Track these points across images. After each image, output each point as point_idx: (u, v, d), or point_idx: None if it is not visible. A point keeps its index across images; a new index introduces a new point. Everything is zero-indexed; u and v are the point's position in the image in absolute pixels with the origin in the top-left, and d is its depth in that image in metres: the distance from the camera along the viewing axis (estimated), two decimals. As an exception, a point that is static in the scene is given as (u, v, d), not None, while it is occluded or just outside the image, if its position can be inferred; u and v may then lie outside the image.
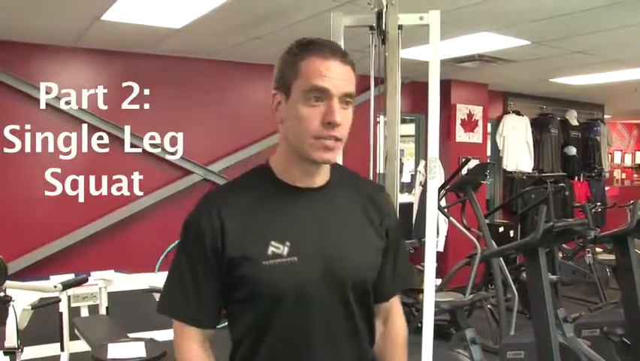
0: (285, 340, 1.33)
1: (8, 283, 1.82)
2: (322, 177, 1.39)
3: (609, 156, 9.62)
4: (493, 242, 5.07)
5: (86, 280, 3.33)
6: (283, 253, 1.29)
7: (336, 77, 1.26)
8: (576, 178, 8.62)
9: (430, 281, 2.51)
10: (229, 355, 1.43)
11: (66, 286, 3.01)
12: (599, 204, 7.28)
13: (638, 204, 3.47)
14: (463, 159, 5.25)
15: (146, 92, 5.37)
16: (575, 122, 8.64)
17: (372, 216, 1.43)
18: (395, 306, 1.55)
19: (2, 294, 1.77)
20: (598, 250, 6.38)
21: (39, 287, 3.12)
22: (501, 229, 6.64)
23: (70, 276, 4.28)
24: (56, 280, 4.04)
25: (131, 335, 3.72)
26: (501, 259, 5.08)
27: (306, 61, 1.27)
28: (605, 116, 9.51)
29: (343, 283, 1.35)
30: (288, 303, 1.30)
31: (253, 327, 1.34)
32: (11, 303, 1.88)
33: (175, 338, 1.37)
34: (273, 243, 1.30)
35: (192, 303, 1.33)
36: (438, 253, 6.54)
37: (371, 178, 2.76)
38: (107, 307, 4.47)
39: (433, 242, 2.45)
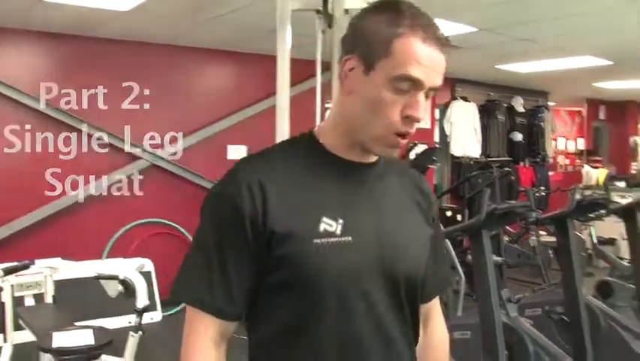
0: (327, 341, 1.12)
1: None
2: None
3: (553, 142, 9.90)
4: (441, 225, 5.16)
5: (28, 266, 3.25)
6: (336, 232, 1.11)
7: (432, 67, 1.08)
8: (522, 163, 8.87)
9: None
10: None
11: (7, 271, 2.93)
12: (542, 188, 7.50)
13: (577, 187, 3.59)
14: (410, 144, 5.32)
15: (92, 76, 5.29)
16: (520, 109, 8.86)
17: (421, 203, 1.28)
18: (436, 309, 1.38)
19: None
20: (541, 233, 6.59)
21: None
22: (449, 213, 6.76)
23: (13, 264, 4.18)
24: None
25: (78, 324, 3.65)
26: (448, 242, 5.19)
27: (405, 40, 1.07)
28: (549, 103, 9.76)
29: (397, 275, 1.17)
30: (337, 292, 1.11)
31: (289, 322, 1.13)
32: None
33: (186, 331, 1.15)
34: (324, 219, 1.11)
35: (217, 290, 1.11)
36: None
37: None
38: (53, 296, 4.38)
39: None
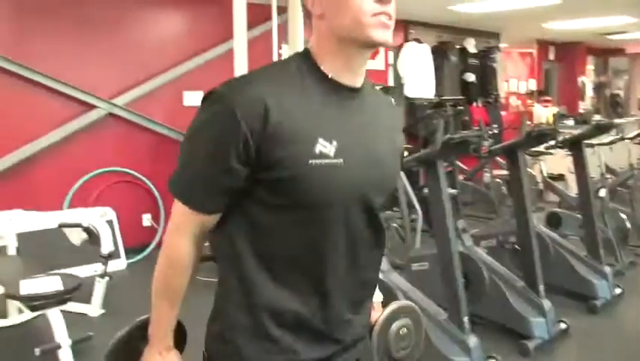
0: (319, 249, 1.22)
1: None
2: (362, 77, 1.27)
3: (505, 83, 10.08)
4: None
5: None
6: (330, 154, 1.16)
7: None
8: (474, 104, 9.02)
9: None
10: (223, 278, 1.28)
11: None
12: (495, 126, 7.68)
13: (524, 118, 3.73)
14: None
15: (43, 24, 5.16)
16: (473, 50, 8.96)
17: (395, 124, 1.42)
18: None
19: None
20: (495, 172, 6.80)
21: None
22: (405, 154, 6.89)
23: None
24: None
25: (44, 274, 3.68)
26: (405, 180, 5.33)
27: None
28: (501, 45, 9.89)
29: (382, 192, 1.30)
30: (330, 211, 1.19)
31: (281, 234, 1.19)
32: None
33: (172, 217, 1.25)
34: (320, 140, 1.16)
35: (203, 189, 1.18)
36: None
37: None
38: (16, 248, 4.38)
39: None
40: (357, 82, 1.24)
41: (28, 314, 4.11)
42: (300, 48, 2.81)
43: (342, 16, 1.16)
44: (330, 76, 1.21)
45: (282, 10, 3.07)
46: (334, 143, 1.17)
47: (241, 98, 1.12)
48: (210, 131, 1.15)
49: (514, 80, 10.93)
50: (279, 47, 3.21)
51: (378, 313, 1.50)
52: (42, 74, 5.11)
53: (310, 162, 1.14)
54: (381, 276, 3.32)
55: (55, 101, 5.24)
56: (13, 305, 4.15)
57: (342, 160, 1.17)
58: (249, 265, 1.21)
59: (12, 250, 4.35)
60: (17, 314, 4.17)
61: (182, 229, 1.23)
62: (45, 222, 4.47)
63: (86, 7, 5.36)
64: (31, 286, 3.32)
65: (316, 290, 1.24)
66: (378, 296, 1.55)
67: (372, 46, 1.20)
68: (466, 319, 3.21)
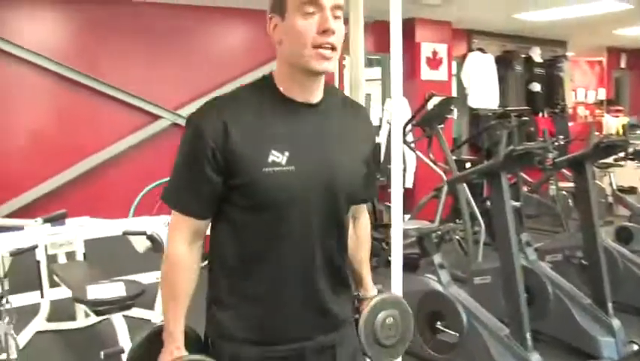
0: (283, 241, 1.42)
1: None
2: (319, 93, 1.46)
3: (573, 92, 9.78)
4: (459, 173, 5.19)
5: (65, 215, 3.36)
6: (282, 162, 1.36)
7: None
8: (540, 114, 8.78)
9: (398, 206, 2.60)
10: (214, 258, 1.51)
11: (47, 220, 3.04)
12: (561, 137, 7.45)
13: (593, 129, 3.60)
14: (427, 96, 5.31)
15: (113, 39, 5.36)
16: (538, 59, 8.75)
17: (361, 132, 1.58)
18: (362, 208, 1.73)
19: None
20: (561, 184, 6.59)
21: (20, 223, 3.16)
22: (468, 165, 6.78)
23: (47, 225, 4.32)
24: (34, 229, 4.10)
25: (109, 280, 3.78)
26: (468, 192, 5.23)
27: None
28: (568, 53, 9.62)
29: (337, 193, 1.46)
30: (287, 211, 1.40)
31: (257, 227, 1.41)
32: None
33: (169, 224, 1.47)
34: (273, 151, 1.37)
35: (189, 196, 1.41)
36: (406, 189, 6.74)
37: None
38: (84, 254, 4.53)
39: (399, 167, 2.52)
40: (313, 99, 1.44)
41: (94, 318, 4.24)
42: (361, 60, 2.82)
43: (291, 45, 1.36)
44: (285, 95, 1.42)
45: (344, 22, 3.03)
46: (286, 153, 1.37)
47: (207, 121, 1.37)
48: (188, 148, 1.40)
49: (582, 90, 10.60)
50: (341, 60, 3.17)
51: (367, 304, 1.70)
52: (110, 86, 5.31)
53: (264, 170, 1.35)
54: (440, 288, 3.30)
55: (122, 112, 5.43)
56: (80, 309, 4.29)
57: (293, 167, 1.37)
58: (232, 257, 1.45)
59: (80, 256, 4.50)
60: (84, 318, 4.31)
61: (177, 233, 1.45)
62: (111, 229, 4.60)
63: (152, 21, 5.55)
64: (96, 291, 3.42)
65: (286, 278, 1.44)
66: (373, 292, 1.75)
67: (314, 73, 1.39)
68: (528, 335, 3.11)
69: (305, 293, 1.48)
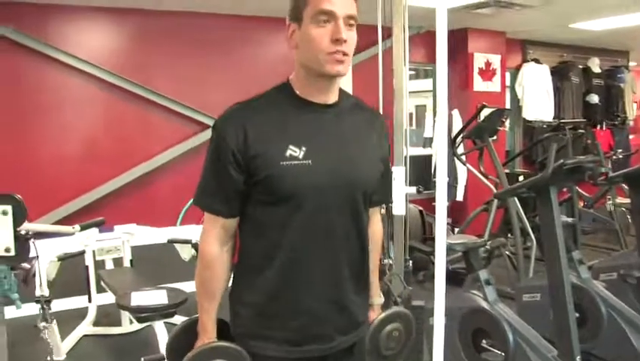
0: (304, 236, 1.50)
1: (28, 225, 1.89)
2: (334, 95, 1.57)
3: (634, 104, 9.41)
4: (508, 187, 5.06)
5: (103, 222, 3.41)
6: (299, 156, 1.46)
7: (339, 1, 1.44)
8: (598, 127, 8.49)
9: (442, 218, 2.52)
10: (238, 258, 1.60)
11: (83, 227, 3.09)
12: (620, 150, 7.18)
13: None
14: (479, 106, 5.20)
15: (164, 49, 5.45)
16: (597, 70, 8.46)
17: (375, 136, 1.67)
18: (377, 211, 1.81)
19: (23, 232, 1.83)
20: (619, 200, 6.34)
21: (58, 229, 3.21)
22: (521, 178, 6.60)
23: (95, 230, 4.41)
24: (83, 234, 4.19)
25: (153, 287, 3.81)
26: (519, 206, 5.09)
27: None
28: (631, 64, 9.30)
29: (354, 186, 1.56)
30: (307, 202, 1.48)
31: (279, 223, 1.49)
32: (32, 241, 1.95)
33: (202, 228, 1.57)
34: (290, 146, 1.47)
35: (217, 196, 1.51)
36: (457, 202, 6.62)
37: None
38: (130, 260, 4.61)
39: (444, 178, 2.43)
40: (329, 100, 1.55)
41: (137, 325, 4.30)
42: (404, 69, 2.77)
43: (307, 51, 1.48)
44: (306, 98, 1.53)
45: (388, 33, 3.02)
46: (303, 148, 1.47)
47: (229, 126, 1.48)
48: (213, 152, 1.52)
49: (645, 102, 10.21)
50: (389, 72, 3.13)
51: (376, 314, 1.76)
52: (161, 95, 5.40)
53: (282, 163, 1.45)
54: (485, 305, 3.19)
55: (173, 121, 5.51)
56: (125, 314, 4.35)
57: (310, 161, 1.47)
58: (253, 254, 1.55)
59: (127, 263, 4.58)
60: (129, 323, 4.37)
61: (209, 234, 1.55)
62: (157, 237, 4.67)
63: (203, 31, 5.62)
64: (140, 298, 3.47)
65: (307, 274, 1.52)
66: (379, 300, 1.81)
67: (328, 76, 1.50)
68: (578, 358, 2.96)
69: (328, 290, 1.55)
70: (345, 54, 1.46)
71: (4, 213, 1.79)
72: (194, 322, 1.61)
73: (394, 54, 2.74)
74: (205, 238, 1.55)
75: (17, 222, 1.80)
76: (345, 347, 1.62)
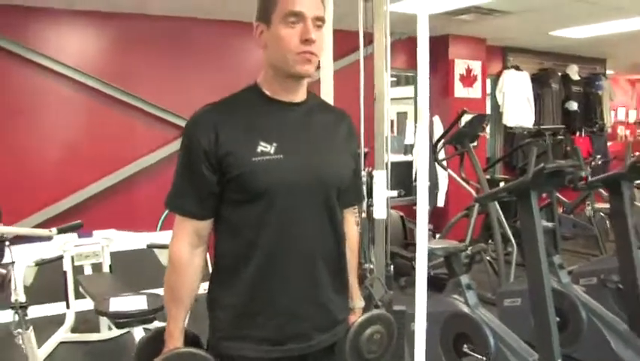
0: (279, 233, 1.50)
1: (3, 228, 1.85)
2: (301, 94, 1.60)
3: (612, 112, 9.53)
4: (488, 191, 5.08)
5: (81, 225, 3.36)
6: (270, 152, 1.48)
7: (308, 3, 1.48)
8: (577, 133, 8.58)
9: (423, 222, 2.52)
10: (214, 261, 1.59)
11: (61, 231, 3.04)
12: (598, 157, 7.26)
13: (629, 147, 3.47)
14: (460, 112, 5.22)
15: (145, 53, 5.42)
16: (576, 77, 8.56)
17: (343, 133, 1.68)
18: (351, 213, 1.81)
19: (-1, 233, 1.79)
20: (597, 205, 6.39)
21: (34, 232, 3.16)
22: (502, 184, 6.63)
23: (74, 235, 4.36)
24: (61, 239, 4.13)
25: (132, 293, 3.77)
26: (500, 211, 5.12)
27: None
28: (608, 72, 9.42)
29: (326, 181, 1.57)
30: (280, 197, 1.49)
31: (254, 222, 1.49)
32: (7, 244, 1.90)
33: (173, 230, 1.56)
34: (261, 143, 1.48)
35: (189, 198, 1.52)
36: (438, 208, 6.64)
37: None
38: (109, 266, 4.55)
39: (425, 183, 2.44)
40: (296, 98, 1.58)
41: (116, 331, 4.24)
42: (387, 77, 2.77)
43: (276, 51, 1.51)
44: (274, 97, 1.56)
45: (370, 38, 3.02)
46: (274, 144, 1.49)
47: (199, 127, 1.50)
48: (185, 153, 1.52)
49: (622, 109, 10.36)
50: (369, 78, 3.13)
51: (357, 317, 1.73)
52: (142, 100, 5.36)
53: (253, 159, 1.47)
54: (467, 310, 3.20)
55: (153, 126, 5.48)
56: (104, 321, 4.29)
57: (281, 155, 1.49)
58: (229, 253, 1.55)
59: (105, 268, 4.53)
60: (107, 330, 4.31)
61: (179, 237, 1.54)
62: (136, 242, 4.62)
63: (184, 35, 5.61)
64: (118, 303, 3.42)
65: (282, 270, 1.51)
66: (360, 303, 1.79)
67: (297, 76, 1.53)
68: (559, 361, 2.98)
69: (305, 288, 1.55)
70: (313, 54, 1.50)
71: (-21, 215, 1.76)
72: (162, 331, 1.58)
73: (376, 59, 2.74)
74: (175, 242, 1.54)
75: (-8, 224, 1.77)
76: (325, 346, 1.61)
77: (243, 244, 1.51)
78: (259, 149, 1.48)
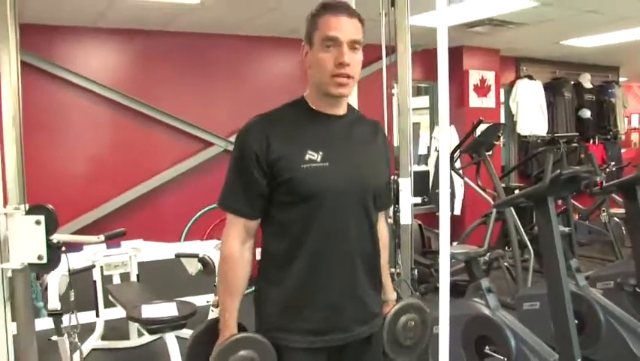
0: (324, 233, 1.65)
1: (57, 236, 1.99)
2: (343, 108, 1.76)
3: (626, 119, 9.59)
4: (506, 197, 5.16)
5: (124, 233, 3.52)
6: (317, 160, 1.64)
7: (345, 28, 1.62)
8: (591, 141, 8.65)
9: (445, 231, 2.62)
10: (262, 259, 1.74)
11: (107, 237, 3.21)
12: (612, 163, 7.32)
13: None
14: (475, 122, 5.33)
15: (168, 68, 5.59)
16: (588, 85, 8.64)
17: (380, 144, 1.86)
18: (382, 215, 1.96)
19: (55, 240, 1.93)
20: (612, 210, 6.45)
21: (84, 239, 3.34)
22: (517, 192, 6.72)
23: (103, 247, 4.51)
24: (91, 250, 4.28)
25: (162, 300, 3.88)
26: (517, 218, 5.20)
27: (322, 18, 1.64)
28: (621, 79, 9.48)
29: (366, 188, 1.73)
30: (326, 201, 1.64)
31: (300, 222, 1.65)
32: (63, 250, 2.04)
33: (225, 227, 1.71)
34: (309, 151, 1.64)
35: (241, 199, 1.67)
36: (455, 216, 6.72)
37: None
38: (137, 275, 4.67)
39: (447, 188, 2.54)
40: (338, 111, 1.74)
41: (147, 337, 4.37)
42: (409, 87, 2.89)
43: (316, 72, 1.67)
44: (318, 110, 1.71)
45: (391, 50, 3.14)
46: (320, 152, 1.64)
47: (252, 134, 1.66)
48: (238, 159, 1.67)
49: (636, 116, 10.40)
50: (390, 87, 3.26)
51: (390, 308, 1.88)
52: (165, 113, 5.53)
53: (302, 166, 1.62)
54: (488, 312, 3.29)
55: (177, 139, 5.64)
56: (133, 328, 4.42)
57: (327, 163, 1.64)
58: (277, 253, 1.69)
59: (133, 277, 4.65)
60: (137, 337, 4.44)
61: (230, 233, 1.69)
62: (164, 252, 4.74)
63: (206, 51, 5.79)
64: (151, 310, 3.53)
65: (325, 267, 1.66)
66: (392, 296, 1.94)
67: (332, 97, 1.68)
68: (579, 361, 3.07)
69: (346, 284, 1.70)
70: (349, 76, 1.64)
71: (38, 222, 1.90)
72: (215, 322, 1.73)
73: (399, 71, 2.85)
74: (227, 239, 1.69)
75: (49, 231, 1.91)
76: (363, 337, 1.76)
77: (291, 242, 1.66)
78: (307, 157, 1.63)
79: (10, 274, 2.00)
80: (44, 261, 1.90)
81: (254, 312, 1.76)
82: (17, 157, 1.94)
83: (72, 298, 2.92)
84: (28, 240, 1.90)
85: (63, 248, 1.99)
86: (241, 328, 1.73)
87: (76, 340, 2.93)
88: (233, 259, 1.69)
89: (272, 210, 1.68)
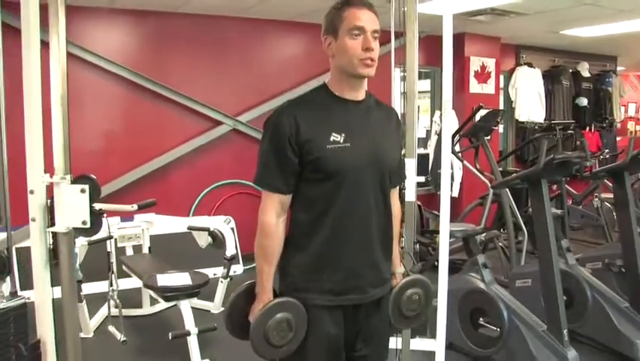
0: (345, 206, 1.87)
1: (100, 205, 2.20)
2: (362, 93, 1.97)
3: (622, 107, 9.77)
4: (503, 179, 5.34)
5: (155, 203, 3.75)
6: (340, 141, 1.86)
7: (368, 19, 1.85)
8: (587, 128, 8.84)
9: (446, 211, 2.83)
10: (290, 229, 1.94)
11: (141, 207, 3.45)
12: (607, 151, 7.52)
13: (632, 140, 3.76)
14: (475, 108, 5.53)
15: (180, 48, 5.77)
16: (586, 74, 8.82)
17: (394, 127, 2.09)
18: (396, 191, 2.17)
19: (97, 207, 2.14)
20: (604, 195, 6.67)
21: (120, 208, 3.57)
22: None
23: (117, 219, 4.72)
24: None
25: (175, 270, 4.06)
26: (512, 201, 5.42)
27: (348, 11, 1.85)
28: (619, 68, 9.64)
29: (384, 166, 1.95)
30: (348, 177, 1.85)
31: (326, 196, 1.86)
32: (105, 216, 2.25)
33: (261, 203, 1.90)
34: (333, 133, 1.86)
35: (276, 176, 1.86)
36: (453, 198, 6.92)
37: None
38: (149, 248, 4.88)
39: (448, 170, 2.76)
40: (358, 97, 1.95)
41: (160, 305, 4.59)
42: (416, 71, 3.08)
43: (342, 57, 1.87)
44: (340, 95, 1.92)
45: (398, 34, 3.31)
46: (342, 134, 1.86)
47: (283, 117, 1.85)
48: (271, 140, 1.86)
49: (633, 105, 10.58)
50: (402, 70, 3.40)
51: (398, 280, 2.09)
52: (177, 93, 5.71)
53: (328, 147, 1.83)
54: (483, 286, 3.51)
55: (187, 117, 5.83)
56: (146, 297, 4.65)
57: (349, 144, 1.86)
58: (303, 222, 1.90)
59: (145, 249, 4.86)
60: (149, 306, 4.67)
61: (267, 207, 1.89)
62: (175, 225, 4.96)
63: (216, 32, 5.95)
64: (166, 279, 3.75)
65: (345, 237, 1.88)
66: (400, 269, 2.14)
67: (360, 77, 1.89)
68: (565, 331, 3.29)
69: (363, 251, 1.93)
70: (372, 59, 1.86)
71: (83, 191, 2.11)
72: (252, 285, 1.96)
73: (407, 57, 3.04)
74: (265, 212, 1.89)
75: (92, 199, 2.12)
76: (375, 299, 1.99)
77: (316, 214, 1.88)
78: (332, 138, 1.84)
79: (51, 240, 2.19)
80: (88, 225, 2.11)
81: (278, 275, 1.97)
82: (64, 133, 2.14)
83: (113, 262, 3.14)
84: (73, 206, 2.11)
85: (105, 215, 2.19)
86: (274, 291, 1.94)
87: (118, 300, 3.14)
88: (270, 230, 1.88)
89: (301, 186, 1.88)
